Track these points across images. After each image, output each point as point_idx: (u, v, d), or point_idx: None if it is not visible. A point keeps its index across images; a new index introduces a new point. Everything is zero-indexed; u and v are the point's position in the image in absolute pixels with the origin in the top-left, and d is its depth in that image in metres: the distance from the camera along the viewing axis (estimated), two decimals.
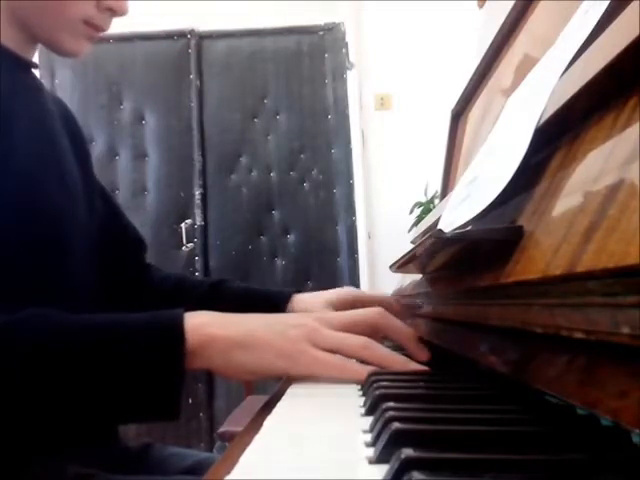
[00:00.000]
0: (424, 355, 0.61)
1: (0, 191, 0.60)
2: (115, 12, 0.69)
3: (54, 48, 0.70)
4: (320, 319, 0.57)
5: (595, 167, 0.34)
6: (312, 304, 0.82)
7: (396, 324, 0.62)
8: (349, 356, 0.55)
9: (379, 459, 0.30)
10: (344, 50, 3.10)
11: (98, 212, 0.80)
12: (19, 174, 0.62)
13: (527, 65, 0.70)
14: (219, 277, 0.92)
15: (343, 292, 0.85)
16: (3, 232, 0.59)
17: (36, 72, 0.75)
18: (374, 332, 0.60)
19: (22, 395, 0.48)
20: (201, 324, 0.52)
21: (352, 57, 3.11)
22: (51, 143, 0.71)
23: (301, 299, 0.84)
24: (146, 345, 0.49)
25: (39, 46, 0.73)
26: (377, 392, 0.42)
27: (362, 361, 0.56)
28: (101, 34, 0.70)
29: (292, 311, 0.83)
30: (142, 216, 3.03)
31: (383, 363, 0.55)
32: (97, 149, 2.98)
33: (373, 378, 0.50)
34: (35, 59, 0.74)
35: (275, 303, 0.84)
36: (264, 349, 0.53)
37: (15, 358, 0.47)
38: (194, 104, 3.08)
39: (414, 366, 0.57)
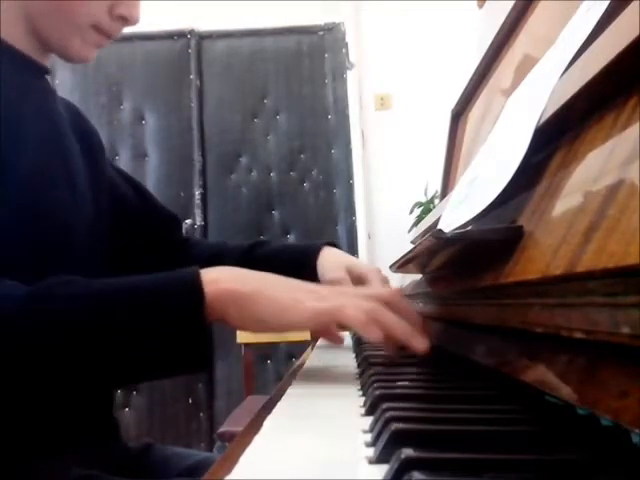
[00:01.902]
0: (424, 345, 0.58)
1: (8, 192, 0.60)
2: (127, 21, 0.70)
3: (63, 53, 0.71)
4: (331, 289, 0.61)
5: (595, 167, 0.34)
6: (329, 269, 0.87)
7: (405, 306, 0.62)
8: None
9: (379, 459, 0.30)
10: (344, 50, 3.10)
11: (107, 212, 0.82)
12: (28, 176, 0.63)
13: (527, 65, 0.70)
14: (258, 240, 0.97)
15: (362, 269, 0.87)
16: (10, 232, 0.60)
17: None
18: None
19: (59, 358, 0.49)
20: (217, 279, 0.55)
21: (352, 57, 3.11)
22: (60, 146, 0.72)
23: (322, 261, 0.89)
24: (171, 300, 0.52)
25: (46, 61, 0.74)
26: (377, 392, 0.42)
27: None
28: (109, 41, 0.71)
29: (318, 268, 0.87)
30: None
31: (392, 327, 0.56)
32: None
33: (373, 378, 0.50)
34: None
35: (303, 261, 0.89)
36: (272, 303, 0.56)
37: (52, 322, 0.49)
38: (194, 104, 3.07)
39: (420, 342, 0.57)
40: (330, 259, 0.89)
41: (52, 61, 0.75)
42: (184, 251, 0.95)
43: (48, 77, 0.76)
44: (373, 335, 0.55)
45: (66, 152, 0.72)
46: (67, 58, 0.71)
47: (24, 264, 0.62)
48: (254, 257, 0.93)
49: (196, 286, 0.53)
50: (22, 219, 0.62)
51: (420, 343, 0.57)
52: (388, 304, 0.59)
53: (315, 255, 0.89)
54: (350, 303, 0.56)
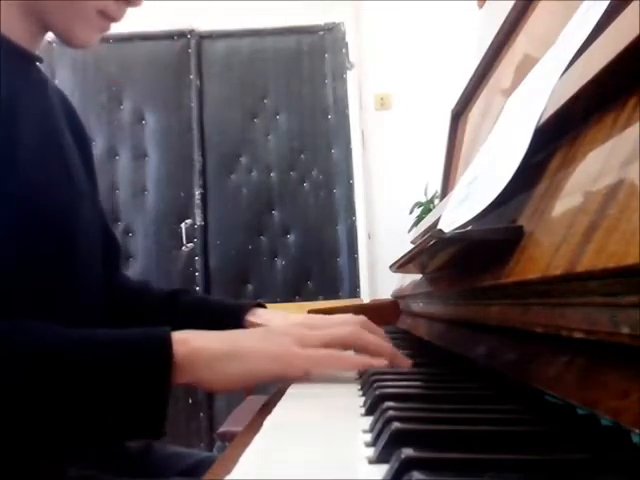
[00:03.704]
0: (408, 363, 0.60)
1: (6, 189, 0.58)
2: (130, 2, 0.69)
3: (66, 38, 0.69)
4: (303, 324, 0.59)
5: (595, 167, 0.34)
6: (270, 320, 0.79)
7: (373, 339, 0.61)
8: (342, 343, 0.58)
9: (379, 459, 0.30)
10: (344, 50, 3.10)
11: (100, 208, 0.81)
12: (25, 172, 0.61)
13: (527, 65, 0.70)
14: (180, 288, 0.90)
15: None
16: (9, 231, 0.59)
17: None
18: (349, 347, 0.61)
19: (17, 403, 0.47)
20: (186, 339, 0.52)
21: (352, 57, 3.11)
22: (57, 140, 0.70)
23: (260, 313, 0.81)
24: (136, 360, 0.49)
25: (39, 46, 0.72)
26: (377, 392, 0.42)
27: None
28: (112, 25, 0.70)
29: (248, 323, 0.79)
30: (142, 216, 3.03)
31: (371, 348, 0.58)
32: (97, 149, 2.97)
33: (373, 378, 0.50)
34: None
35: (232, 314, 0.80)
36: (253, 355, 0.53)
37: (12, 367, 0.47)
38: (194, 104, 3.07)
39: (401, 359, 0.58)
40: (276, 320, 0.78)
41: (51, 60, 0.74)
42: (115, 278, 0.87)
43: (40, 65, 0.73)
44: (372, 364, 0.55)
45: (63, 148, 0.71)
46: (70, 43, 0.70)
47: (25, 266, 0.61)
48: (176, 304, 0.84)
49: (165, 345, 0.50)
50: (22, 219, 0.60)
51: (404, 361, 0.59)
52: (354, 341, 0.60)
53: (242, 315, 0.80)
54: (334, 339, 0.57)
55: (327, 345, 0.57)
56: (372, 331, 0.62)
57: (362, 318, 0.65)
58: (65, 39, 0.69)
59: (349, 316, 0.67)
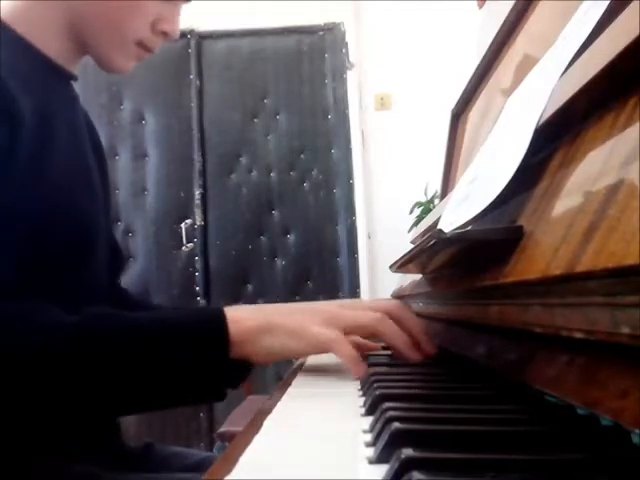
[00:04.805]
0: (417, 357, 0.61)
1: (34, 195, 0.61)
2: (168, 36, 0.73)
3: (102, 63, 0.73)
4: (333, 304, 0.64)
5: (595, 167, 0.34)
6: None
7: (390, 329, 0.62)
8: (364, 328, 0.60)
9: (379, 459, 0.30)
10: (344, 50, 3.10)
11: (112, 221, 0.83)
12: (53, 181, 0.64)
13: (527, 65, 0.70)
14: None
15: None
16: (34, 234, 0.61)
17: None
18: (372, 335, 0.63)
19: (97, 386, 0.54)
20: (239, 318, 0.58)
21: (352, 57, 3.11)
22: (82, 153, 0.73)
23: None
24: (199, 338, 0.56)
25: (76, 65, 0.75)
26: (377, 392, 0.42)
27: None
28: (149, 55, 0.74)
29: None
30: (142, 216, 3.03)
31: (387, 338, 0.60)
32: None
33: (373, 378, 0.50)
34: None
35: None
36: (281, 331, 0.58)
37: (96, 353, 0.53)
38: (194, 104, 3.07)
39: (412, 354, 0.61)
40: None
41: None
42: (115, 290, 0.89)
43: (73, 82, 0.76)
44: (358, 373, 0.57)
45: (87, 161, 0.74)
46: (107, 68, 0.73)
47: (47, 267, 0.63)
48: None
49: (222, 326, 0.56)
50: (46, 222, 0.62)
51: (414, 355, 0.61)
52: (391, 316, 0.61)
53: None
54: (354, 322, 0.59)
55: (349, 328, 0.60)
56: (402, 318, 0.63)
57: (396, 304, 0.66)
58: (103, 64, 0.73)
59: (383, 302, 0.69)
